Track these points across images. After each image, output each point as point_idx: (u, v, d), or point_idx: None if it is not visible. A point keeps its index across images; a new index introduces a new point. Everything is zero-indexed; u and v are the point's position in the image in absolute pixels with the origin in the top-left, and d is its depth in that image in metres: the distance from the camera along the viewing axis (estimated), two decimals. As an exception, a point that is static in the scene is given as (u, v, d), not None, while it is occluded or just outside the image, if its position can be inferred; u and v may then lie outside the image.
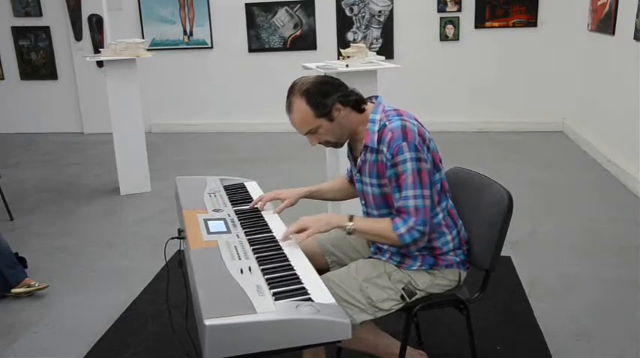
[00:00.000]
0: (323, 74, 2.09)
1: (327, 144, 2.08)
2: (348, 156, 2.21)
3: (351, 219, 1.97)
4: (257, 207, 2.23)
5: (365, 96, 2.10)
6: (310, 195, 2.33)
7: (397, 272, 2.02)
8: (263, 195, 2.29)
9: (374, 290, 1.97)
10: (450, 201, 2.10)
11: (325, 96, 1.98)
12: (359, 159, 2.07)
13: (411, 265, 2.04)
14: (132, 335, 2.84)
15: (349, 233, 1.98)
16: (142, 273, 3.49)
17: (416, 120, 1.99)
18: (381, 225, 1.96)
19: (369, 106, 2.06)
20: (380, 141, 1.96)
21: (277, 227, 2.06)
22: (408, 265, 2.04)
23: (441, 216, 2.04)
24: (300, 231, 1.94)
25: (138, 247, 3.94)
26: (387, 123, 1.96)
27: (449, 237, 2.06)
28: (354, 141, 2.11)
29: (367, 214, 2.15)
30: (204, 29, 7.27)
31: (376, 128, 1.98)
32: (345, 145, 2.17)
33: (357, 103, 2.03)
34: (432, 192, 1.96)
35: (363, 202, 2.16)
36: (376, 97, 2.10)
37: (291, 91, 2.01)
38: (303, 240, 1.93)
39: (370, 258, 2.12)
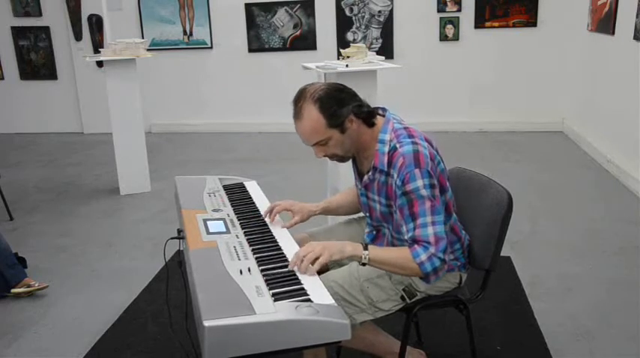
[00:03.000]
0: (335, 82, 1.97)
1: (334, 157, 1.96)
2: (354, 170, 2.13)
3: (365, 247, 1.83)
4: (258, 208, 2.22)
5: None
6: (324, 212, 2.22)
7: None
8: (275, 204, 2.14)
9: (374, 291, 1.97)
10: (455, 215, 2.06)
11: (341, 105, 1.85)
12: (366, 177, 2.00)
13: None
14: (132, 335, 2.84)
15: (364, 264, 1.84)
16: (142, 273, 3.49)
17: (426, 139, 1.91)
18: (399, 254, 1.84)
19: (378, 121, 1.94)
20: (390, 164, 1.87)
21: (277, 228, 2.06)
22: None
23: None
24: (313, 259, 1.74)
25: (138, 247, 3.94)
26: (397, 145, 1.86)
27: (448, 250, 2.02)
28: (361, 157, 2.02)
29: (373, 227, 2.12)
30: (204, 29, 7.26)
31: (386, 149, 1.89)
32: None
33: (369, 116, 1.92)
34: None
35: (368, 214, 2.11)
36: (384, 109, 2.01)
37: (302, 97, 1.88)
38: (313, 272, 1.72)
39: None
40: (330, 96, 1.86)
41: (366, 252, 1.82)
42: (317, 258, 1.73)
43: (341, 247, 1.82)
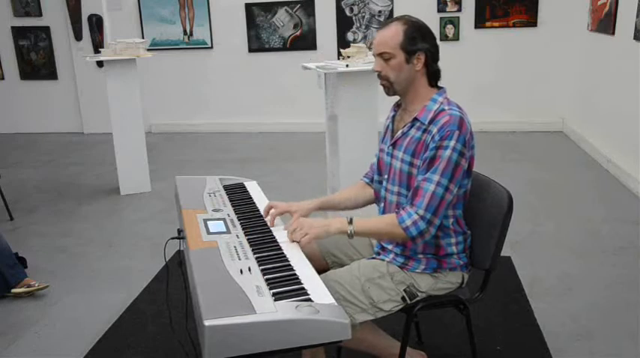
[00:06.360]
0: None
1: (385, 80, 2.02)
2: (387, 127, 2.16)
3: (350, 221, 1.92)
4: (258, 209, 2.21)
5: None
6: (322, 207, 2.24)
7: (400, 273, 2.01)
8: (272, 204, 2.11)
9: (376, 291, 1.97)
10: (461, 210, 2.07)
11: (422, 38, 1.97)
12: (400, 131, 2.04)
13: (415, 267, 2.03)
14: (132, 335, 2.84)
15: (350, 236, 1.93)
16: (142, 273, 3.49)
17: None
18: (385, 221, 1.94)
19: (434, 90, 2.04)
20: (432, 121, 1.94)
21: (277, 228, 2.05)
22: (412, 267, 2.03)
23: (451, 220, 2.02)
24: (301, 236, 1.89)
25: (138, 247, 3.94)
26: (446, 108, 1.96)
27: (453, 240, 2.04)
28: (404, 111, 2.08)
29: (385, 190, 2.11)
30: (204, 29, 7.27)
31: (434, 107, 1.97)
32: (389, 117, 2.16)
33: (435, 74, 2.03)
34: (456, 192, 1.94)
35: (385, 176, 2.11)
36: (441, 88, 2.09)
37: (398, 17, 2.04)
38: (304, 246, 1.88)
39: (373, 258, 2.11)
40: (420, 27, 1.99)
41: (352, 226, 1.91)
42: (305, 235, 1.88)
43: (326, 226, 1.92)
